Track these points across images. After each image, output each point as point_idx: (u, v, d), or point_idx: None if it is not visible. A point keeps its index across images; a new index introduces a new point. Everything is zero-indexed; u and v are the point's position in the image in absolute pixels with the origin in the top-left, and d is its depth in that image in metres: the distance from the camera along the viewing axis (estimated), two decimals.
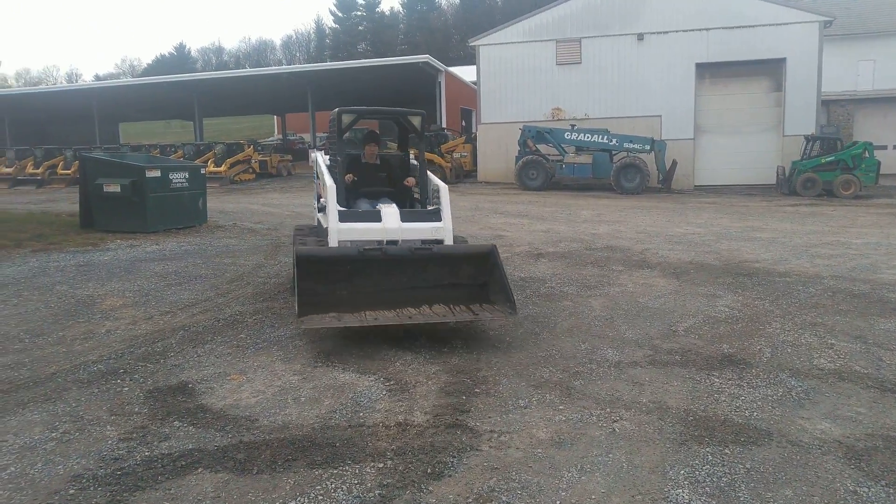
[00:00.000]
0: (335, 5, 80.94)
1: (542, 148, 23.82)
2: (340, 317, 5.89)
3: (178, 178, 14.10)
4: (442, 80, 33.46)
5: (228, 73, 41.10)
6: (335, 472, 3.80)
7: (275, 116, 56.98)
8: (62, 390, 4.98)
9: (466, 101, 36.77)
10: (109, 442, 4.15)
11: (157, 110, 49.28)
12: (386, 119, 7.82)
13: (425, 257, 6.43)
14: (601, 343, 6.20)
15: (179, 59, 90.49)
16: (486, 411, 4.65)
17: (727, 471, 3.83)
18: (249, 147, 32.64)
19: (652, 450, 4.08)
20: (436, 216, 6.97)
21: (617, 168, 22.44)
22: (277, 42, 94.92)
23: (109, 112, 44.72)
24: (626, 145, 22.68)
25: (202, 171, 15.18)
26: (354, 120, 7.28)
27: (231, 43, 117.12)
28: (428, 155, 26.34)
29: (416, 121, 7.41)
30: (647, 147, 22.47)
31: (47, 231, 13.06)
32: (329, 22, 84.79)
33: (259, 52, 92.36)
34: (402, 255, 6.40)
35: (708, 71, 24.84)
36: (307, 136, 44.88)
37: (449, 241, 6.82)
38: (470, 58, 27.83)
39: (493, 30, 27.74)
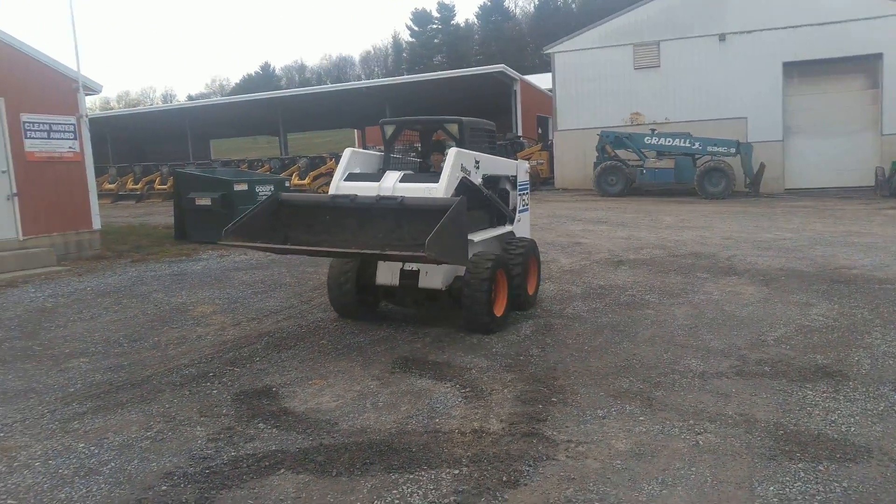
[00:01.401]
0: (411, 20, 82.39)
1: (622, 153, 23.36)
2: (255, 241, 6.32)
3: (264, 190, 14.65)
4: (517, 88, 33.37)
5: (310, 90, 42.39)
6: (411, 476, 3.83)
7: (355, 130, 58.36)
8: (157, 392, 5.25)
9: (542, 109, 36.50)
10: (199, 441, 4.34)
11: (244, 127, 51.38)
12: (427, 128, 7.86)
13: (392, 207, 6.27)
14: (684, 353, 6.01)
15: (265, 77, 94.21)
16: (563, 421, 4.58)
17: (821, 489, 3.63)
18: (331, 160, 33.51)
19: (738, 464, 3.92)
20: (435, 178, 6.61)
21: (701, 172, 21.72)
22: (356, 58, 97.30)
23: (201, 130, 46.98)
24: (709, 149, 21.94)
25: (286, 184, 15.72)
26: (397, 130, 7.44)
27: (313, 60, 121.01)
28: None
29: (452, 128, 7.40)
30: (733, 150, 21.65)
31: (145, 243, 13.84)
32: (405, 36, 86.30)
33: (339, 69, 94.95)
34: (369, 203, 6.31)
35: (796, 70, 23.72)
36: None
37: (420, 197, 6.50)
38: (545, 65, 27.64)
39: (567, 37, 27.48)
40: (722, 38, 24.09)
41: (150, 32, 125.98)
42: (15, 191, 11.22)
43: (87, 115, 12.57)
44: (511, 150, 26.82)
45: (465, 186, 6.81)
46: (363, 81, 45.24)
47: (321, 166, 32.37)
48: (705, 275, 9.35)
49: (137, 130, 48.30)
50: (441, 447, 4.19)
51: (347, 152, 7.11)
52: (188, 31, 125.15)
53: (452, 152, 6.57)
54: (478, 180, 6.98)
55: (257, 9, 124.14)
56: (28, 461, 4.09)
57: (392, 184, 6.63)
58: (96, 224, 12.59)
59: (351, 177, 6.88)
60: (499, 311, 6.77)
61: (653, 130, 23.23)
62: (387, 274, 7.02)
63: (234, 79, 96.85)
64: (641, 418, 4.60)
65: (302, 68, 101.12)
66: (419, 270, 6.78)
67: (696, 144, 22.10)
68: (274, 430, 4.51)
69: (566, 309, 7.70)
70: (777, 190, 23.25)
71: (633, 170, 22.97)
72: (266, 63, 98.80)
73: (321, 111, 45.18)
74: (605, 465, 3.93)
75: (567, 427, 4.48)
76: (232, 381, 5.49)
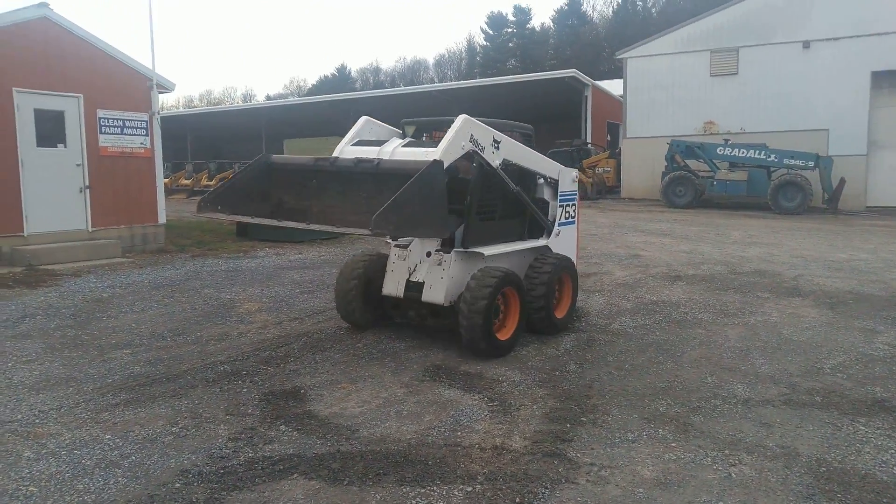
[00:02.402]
0: (486, 23, 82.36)
1: (692, 164, 22.61)
2: (239, 209, 6.08)
3: None
4: (588, 94, 32.85)
5: (380, 92, 43.02)
6: (423, 491, 3.74)
7: (423, 133, 58.77)
8: (189, 387, 5.34)
9: (613, 116, 35.79)
10: (220, 440, 4.37)
11: (317, 128, 52.44)
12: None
13: (368, 171, 5.80)
14: (730, 377, 5.68)
15: (340, 79, 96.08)
16: (590, 442, 4.39)
17: None
18: None
19: (770, 501, 3.64)
20: (434, 144, 6.04)
21: (775, 186, 20.77)
22: (430, 61, 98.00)
23: (275, 129, 48.27)
24: (786, 161, 20.96)
25: None
26: (419, 131, 7.02)
27: (388, 63, 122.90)
28: None
29: None
30: (811, 163, 20.62)
31: (208, 238, 14.27)
32: (480, 40, 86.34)
33: (413, 72, 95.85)
34: (348, 166, 5.89)
35: (886, 80, 22.37)
36: None
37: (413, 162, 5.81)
38: (619, 71, 27.04)
39: (641, 42, 26.82)
40: (806, 45, 22.99)
41: (233, 33, 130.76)
42: (87, 184, 11.75)
43: (158, 113, 13.05)
44: (577, 156, 26.45)
45: (478, 165, 6.19)
46: (433, 84, 45.52)
47: None
48: (766, 294, 8.87)
49: (215, 129, 50.12)
50: (458, 462, 4.08)
51: (362, 119, 6.73)
52: (269, 33, 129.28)
53: (461, 118, 5.87)
54: (495, 162, 6.22)
55: (335, 11, 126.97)
56: (55, 449, 4.21)
57: (392, 148, 6.17)
58: (161, 218, 13.05)
59: (359, 143, 6.46)
60: (504, 334, 6.18)
61: (726, 140, 22.39)
62: (392, 284, 6.55)
63: (311, 80, 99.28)
64: (673, 444, 4.36)
65: (376, 70, 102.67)
66: (423, 283, 6.29)
67: (772, 156, 21.16)
68: (295, 433, 4.50)
69: (612, 324, 7.44)
70: (857, 207, 22.00)
71: (704, 181, 22.19)
72: (342, 65, 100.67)
73: (391, 113, 45.52)
74: (626, 493, 3.73)
75: (593, 449, 4.29)
76: (263, 380, 5.54)
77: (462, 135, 5.79)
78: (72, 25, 11.58)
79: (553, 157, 26.96)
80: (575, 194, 7.76)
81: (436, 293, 6.18)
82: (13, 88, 10.79)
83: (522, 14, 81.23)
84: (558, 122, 43.82)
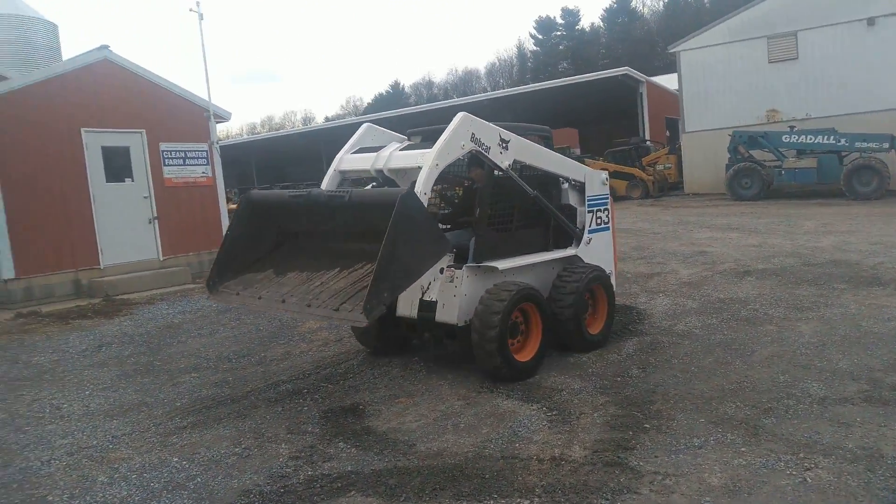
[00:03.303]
0: (535, 28, 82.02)
1: (756, 154, 21.77)
2: (244, 296, 5.53)
3: None
4: (643, 90, 32.20)
5: (430, 106, 43.31)
6: None
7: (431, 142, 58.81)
8: (253, 408, 5.45)
9: (672, 111, 34.95)
10: (281, 459, 4.44)
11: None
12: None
13: (342, 206, 5.24)
14: (805, 375, 5.40)
15: (395, 95, 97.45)
16: (653, 450, 4.24)
17: None
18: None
19: None
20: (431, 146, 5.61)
21: (848, 171, 19.76)
22: (482, 70, 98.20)
23: (334, 149, 49.21)
24: (857, 145, 19.91)
25: None
26: (425, 139, 6.37)
27: (440, 76, 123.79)
28: (627, 168, 25.41)
29: None
30: (886, 145, 19.51)
31: None
32: (530, 45, 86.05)
33: (465, 82, 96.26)
34: (319, 201, 5.39)
35: None
36: None
37: (425, 170, 5.24)
38: (675, 65, 26.37)
39: (693, 34, 26.09)
40: (871, 21, 21.86)
41: (289, 58, 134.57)
42: (156, 214, 12.25)
43: (217, 142, 13.51)
44: (635, 155, 25.92)
45: (486, 168, 5.77)
46: (484, 94, 45.54)
47: None
48: (843, 286, 8.42)
49: (277, 153, 51.54)
50: (515, 475, 4.01)
51: (364, 126, 6.47)
52: (325, 54, 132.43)
53: (458, 115, 5.43)
54: (504, 163, 5.74)
55: (387, 29, 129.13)
56: (126, 473, 4.36)
57: (389, 153, 5.79)
58: None
59: (360, 150, 6.19)
60: (525, 355, 5.74)
61: (791, 128, 21.48)
62: (406, 304, 5.99)
63: (367, 98, 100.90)
64: (743, 449, 4.16)
65: (429, 84, 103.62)
66: (437, 301, 5.75)
67: (843, 140, 20.15)
68: (353, 449, 4.52)
69: (677, 325, 7.21)
70: None
71: (771, 171, 21.34)
72: (396, 81, 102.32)
73: (444, 125, 45.97)
74: (692, 502, 3.57)
75: (656, 457, 4.13)
76: (324, 397, 5.60)
77: (461, 133, 5.37)
78: (131, 64, 12.15)
79: (610, 157, 26.40)
80: (606, 198, 7.16)
81: (449, 313, 5.69)
82: (81, 129, 11.38)
83: (571, 16, 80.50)
84: (615, 122, 43.11)
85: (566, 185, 6.77)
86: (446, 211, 6.97)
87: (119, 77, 11.96)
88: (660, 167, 26.30)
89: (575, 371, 5.89)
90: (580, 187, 6.78)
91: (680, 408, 4.90)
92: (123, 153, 11.99)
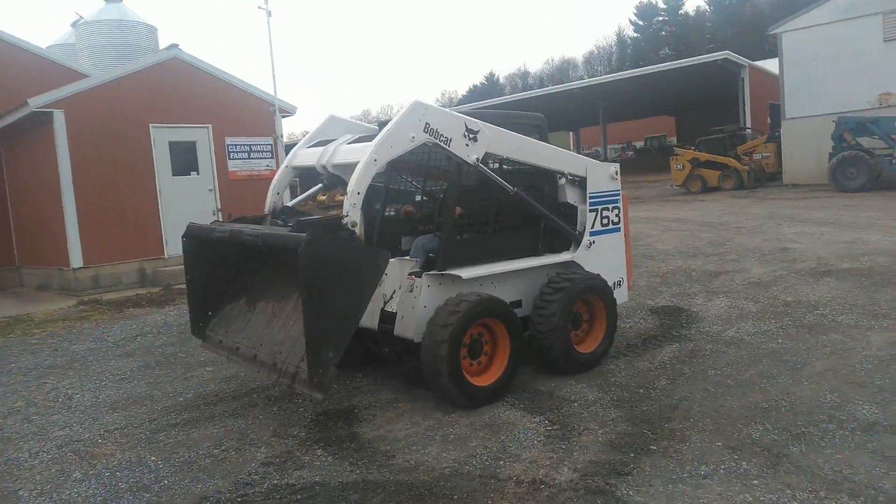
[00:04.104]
0: (635, 14, 79.05)
1: (864, 142, 19.82)
2: (225, 344, 5.05)
3: None
4: (745, 75, 30.19)
5: (521, 96, 42.48)
6: None
7: (570, 133, 57.52)
8: (250, 406, 5.31)
9: (777, 97, 32.69)
10: (253, 465, 4.24)
11: None
12: None
13: (252, 244, 4.57)
14: (857, 394, 4.66)
15: (489, 87, 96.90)
16: (650, 477, 3.72)
17: None
18: None
19: None
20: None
21: None
22: (580, 59, 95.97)
23: None
24: None
25: None
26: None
27: (536, 66, 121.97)
28: (720, 157, 23.87)
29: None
30: None
31: None
32: (630, 32, 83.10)
33: (562, 72, 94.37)
34: (240, 241, 4.70)
35: None
36: (601, 149, 44.35)
37: (360, 166, 4.51)
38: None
39: (796, 14, 24.08)
40: None
41: (385, 52, 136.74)
42: (220, 207, 12.53)
43: (282, 136, 13.67)
44: (730, 143, 24.37)
45: (452, 163, 5.06)
46: (575, 82, 44.15)
47: None
48: None
49: None
50: (487, 498, 3.62)
51: (327, 117, 5.75)
52: (420, 47, 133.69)
53: (410, 103, 4.75)
54: (471, 157, 4.97)
55: (482, 20, 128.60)
56: (101, 471, 4.30)
57: (335, 147, 5.16)
58: None
59: (318, 143, 5.50)
60: (486, 378, 4.95)
61: None
62: (368, 314, 5.14)
63: (462, 90, 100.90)
64: (755, 482, 3.57)
65: (525, 74, 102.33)
66: (396, 312, 5.12)
67: None
68: (329, 457, 4.27)
69: (727, 331, 6.50)
70: None
71: (880, 160, 19.36)
72: (490, 73, 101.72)
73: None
74: None
75: (651, 486, 3.62)
76: (325, 398, 5.37)
77: (410, 123, 4.67)
78: (198, 62, 12.45)
79: (702, 145, 24.87)
80: (615, 194, 6.17)
81: (407, 326, 4.99)
82: (150, 125, 11.76)
83: (674, 0, 77.01)
84: (714, 109, 40.79)
85: (562, 181, 5.92)
86: (425, 211, 6.20)
87: (187, 74, 12.29)
88: (757, 156, 24.53)
89: (596, 379, 5.38)
90: (581, 183, 5.95)
91: (698, 428, 4.32)
92: (190, 147, 12.32)
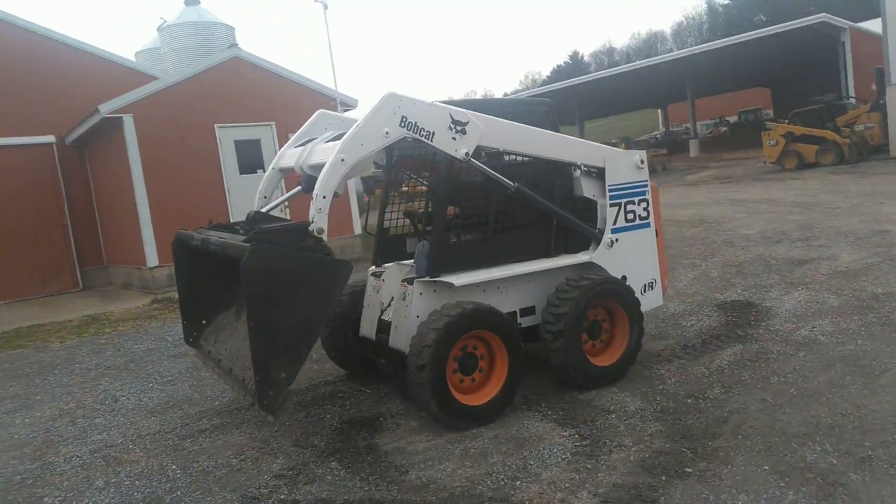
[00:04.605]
0: None
1: None
2: (212, 354, 4.83)
3: None
4: (846, 39, 27.97)
5: (604, 73, 40.99)
6: None
7: (658, 109, 55.26)
8: (279, 412, 5.22)
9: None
10: (265, 477, 4.13)
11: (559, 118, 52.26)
12: None
13: (215, 252, 4.34)
14: None
15: (573, 66, 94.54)
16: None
17: None
18: (622, 146, 32.21)
19: None
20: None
21: None
22: (668, 31, 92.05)
23: None
24: None
25: None
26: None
27: (621, 41, 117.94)
28: (816, 131, 22.17)
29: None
30: None
31: None
32: None
33: (649, 46, 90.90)
34: (208, 250, 4.47)
35: None
36: (690, 126, 42.33)
37: (326, 168, 4.20)
38: None
39: None
40: None
41: (470, 37, 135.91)
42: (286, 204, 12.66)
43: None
44: (827, 115, 22.61)
45: (445, 162, 4.65)
46: (661, 56, 42.25)
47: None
48: None
49: None
50: None
51: (316, 113, 5.44)
52: (502, 30, 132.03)
53: (384, 94, 4.37)
54: (459, 151, 4.53)
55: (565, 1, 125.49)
56: (122, 479, 4.32)
57: (312, 146, 4.91)
58: (357, 229, 13.65)
59: (306, 142, 5.17)
60: (480, 397, 4.53)
61: None
62: (367, 323, 5.27)
63: (545, 71, 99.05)
64: None
65: (610, 51, 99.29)
66: (391, 322, 4.88)
67: None
68: (342, 471, 4.10)
69: (800, 329, 5.88)
70: None
71: None
72: (574, 51, 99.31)
73: (620, 93, 43.54)
74: None
75: None
76: (354, 405, 5.23)
77: (383, 117, 4.29)
78: (258, 59, 12.60)
79: (797, 118, 23.18)
80: (642, 185, 5.50)
81: (400, 337, 4.72)
82: (215, 125, 12.02)
83: None
84: (814, 77, 38.10)
85: (577, 172, 5.29)
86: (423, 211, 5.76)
87: (248, 73, 12.48)
88: (859, 128, 22.56)
89: (643, 386, 4.96)
90: (599, 174, 5.35)
91: (745, 447, 3.86)
92: (254, 145, 12.53)
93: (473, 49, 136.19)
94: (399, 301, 4.82)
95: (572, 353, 4.78)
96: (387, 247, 5.69)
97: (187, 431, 5.03)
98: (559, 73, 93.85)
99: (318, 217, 4.10)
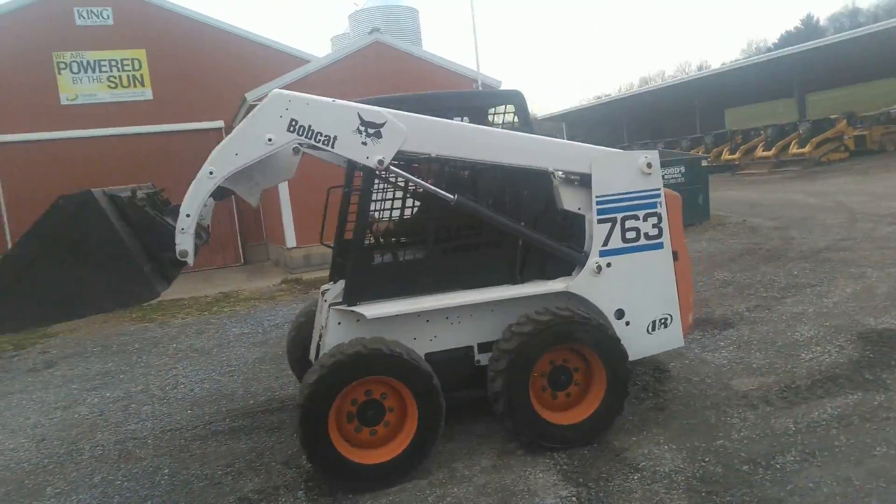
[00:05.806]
0: None
1: None
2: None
3: (672, 172, 13.00)
4: None
5: (830, 40, 35.59)
6: None
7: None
8: (288, 422, 4.92)
9: None
10: (232, 497, 3.88)
11: (758, 93, 47.05)
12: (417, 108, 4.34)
13: None
14: None
15: (806, 31, 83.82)
16: None
17: None
18: (842, 122, 27.97)
19: None
20: None
21: None
22: None
23: (713, 100, 44.77)
24: None
25: (703, 164, 13.62)
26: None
27: (868, 1, 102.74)
28: None
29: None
30: None
31: None
32: None
33: None
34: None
35: None
36: None
37: (193, 185, 3.79)
38: None
39: None
40: None
41: (686, 9, 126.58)
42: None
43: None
44: None
45: (359, 166, 4.01)
46: (881, 23, 35.58)
47: (827, 130, 27.25)
48: None
49: (649, 109, 49.47)
50: None
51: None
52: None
53: (270, 94, 3.81)
54: (373, 158, 3.78)
55: None
56: (117, 479, 4.32)
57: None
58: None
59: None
60: (381, 453, 3.78)
61: None
62: (313, 347, 4.80)
63: (772, 38, 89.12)
64: None
65: (853, 13, 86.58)
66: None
67: None
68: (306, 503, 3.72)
69: None
70: None
71: None
72: (808, 15, 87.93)
73: (850, 62, 37.65)
74: None
75: None
76: None
77: (264, 123, 3.71)
78: (398, 43, 12.48)
79: None
80: (650, 195, 4.26)
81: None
82: None
83: None
84: None
85: (555, 180, 4.19)
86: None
87: (389, 56, 12.42)
88: None
89: (698, 438, 3.98)
90: (585, 181, 4.22)
91: None
92: None
93: (689, 16, 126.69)
94: (325, 328, 4.26)
95: (516, 400, 3.89)
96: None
97: (204, 431, 4.97)
98: (789, 39, 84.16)
99: (182, 238, 3.62)
